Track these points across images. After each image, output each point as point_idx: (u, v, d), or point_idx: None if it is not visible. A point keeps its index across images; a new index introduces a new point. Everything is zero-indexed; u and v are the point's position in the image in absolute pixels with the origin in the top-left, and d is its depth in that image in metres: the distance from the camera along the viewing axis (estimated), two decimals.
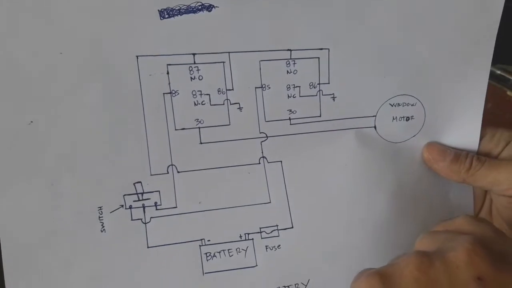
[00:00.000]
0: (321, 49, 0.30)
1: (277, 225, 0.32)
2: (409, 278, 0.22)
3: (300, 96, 0.31)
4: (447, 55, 0.31)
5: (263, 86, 0.30)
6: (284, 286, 0.32)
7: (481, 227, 0.25)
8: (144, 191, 0.30)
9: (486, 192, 0.34)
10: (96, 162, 0.29)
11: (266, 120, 0.31)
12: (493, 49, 0.31)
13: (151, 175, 0.30)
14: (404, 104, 0.32)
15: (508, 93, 0.45)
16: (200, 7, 0.28)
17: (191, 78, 0.29)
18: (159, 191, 0.30)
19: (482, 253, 0.22)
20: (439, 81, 0.32)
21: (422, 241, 0.26)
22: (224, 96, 0.30)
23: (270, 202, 0.32)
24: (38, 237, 0.28)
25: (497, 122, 0.32)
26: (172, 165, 0.30)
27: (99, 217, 0.29)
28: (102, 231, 0.29)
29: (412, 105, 0.32)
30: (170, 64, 0.29)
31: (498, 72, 0.44)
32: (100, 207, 0.29)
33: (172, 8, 0.28)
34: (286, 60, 0.30)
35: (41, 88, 0.27)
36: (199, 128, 0.30)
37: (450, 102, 0.32)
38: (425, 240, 0.26)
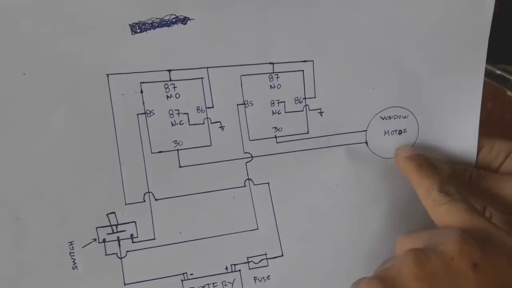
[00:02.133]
0: (305, 61, 0.28)
1: (265, 254, 0.29)
2: (409, 275, 0.23)
3: (285, 112, 0.29)
4: (438, 62, 0.30)
5: (246, 102, 0.28)
6: None
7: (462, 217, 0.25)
8: (119, 223, 0.27)
9: (485, 207, 0.33)
10: (65, 191, 0.26)
11: (250, 139, 0.29)
12: (485, 53, 0.30)
13: (126, 204, 0.27)
14: (396, 116, 0.30)
15: (508, 93, 0.44)
16: (174, 20, 0.26)
17: (167, 96, 0.27)
18: (135, 221, 0.28)
19: (471, 241, 0.23)
20: (431, 91, 0.30)
21: (403, 242, 0.27)
22: (204, 115, 0.28)
23: (257, 229, 0.29)
24: (2, 276, 0.26)
25: (497, 122, 0.31)
26: (149, 192, 0.28)
27: (70, 253, 0.27)
28: (73, 268, 0.27)
29: (404, 117, 0.30)
30: (143, 82, 0.27)
31: (498, 72, 0.44)
32: (71, 242, 0.27)
33: (144, 22, 0.26)
34: (268, 74, 0.28)
35: (2, 112, 0.25)
36: (177, 150, 0.28)
37: (444, 112, 0.31)
38: (406, 240, 0.27)
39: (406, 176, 0.29)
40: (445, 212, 0.26)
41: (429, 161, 0.29)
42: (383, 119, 0.30)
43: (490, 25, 0.29)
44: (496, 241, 0.24)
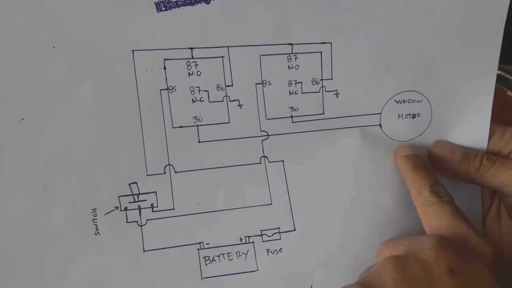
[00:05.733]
0: (323, 43, 0.29)
1: (278, 228, 0.30)
2: (389, 281, 0.23)
3: (302, 93, 0.30)
4: (453, 49, 0.30)
5: (264, 82, 0.29)
6: None
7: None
8: (140, 192, 0.29)
9: (494, 193, 0.33)
10: (90, 161, 0.28)
11: (267, 118, 0.30)
12: (501, 42, 0.30)
13: (147, 175, 0.29)
14: (410, 100, 0.31)
15: (508, 93, 0.44)
16: None
17: (189, 73, 0.28)
18: (155, 192, 0.29)
19: (448, 247, 0.24)
20: (446, 77, 0.31)
21: (383, 249, 0.28)
22: (224, 93, 0.29)
23: (271, 204, 0.30)
24: (30, 239, 0.27)
25: (497, 122, 0.31)
26: (169, 164, 0.29)
27: (93, 219, 0.28)
28: (96, 234, 0.28)
29: (418, 101, 0.31)
30: (167, 59, 0.27)
31: (498, 72, 0.44)
32: (94, 209, 0.28)
33: (169, 0, 0.27)
34: (287, 55, 0.29)
35: (32, 84, 0.26)
36: (197, 126, 0.29)
37: (457, 98, 0.31)
38: (386, 248, 0.28)
39: (402, 174, 0.31)
40: (432, 214, 0.27)
41: (425, 162, 0.30)
42: (397, 102, 0.31)
43: (506, 12, 0.29)
44: (473, 247, 0.25)
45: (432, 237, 0.25)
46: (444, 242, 0.25)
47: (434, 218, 0.27)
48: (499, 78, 0.44)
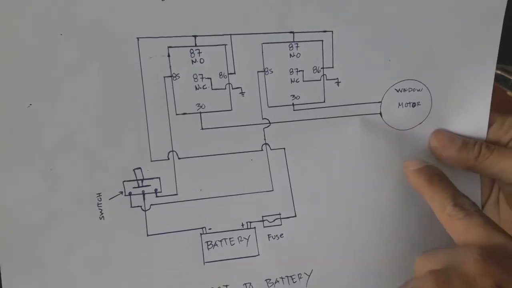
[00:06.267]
0: (325, 31, 0.29)
1: (279, 214, 0.31)
2: None
3: (303, 81, 0.30)
4: (453, 37, 0.31)
5: (266, 70, 0.29)
6: (287, 276, 0.31)
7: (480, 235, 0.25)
8: (144, 178, 0.29)
9: (493, 181, 0.34)
10: (95, 146, 0.28)
11: (269, 105, 0.30)
12: (500, 30, 0.30)
13: (151, 161, 0.29)
14: (410, 89, 0.31)
15: (508, 93, 0.44)
16: None
17: (192, 61, 0.28)
18: (159, 177, 0.29)
19: (492, 261, 0.22)
20: (446, 65, 0.31)
21: (421, 263, 0.26)
22: (226, 80, 0.29)
23: (272, 190, 0.31)
24: (35, 221, 0.28)
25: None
26: (173, 151, 0.29)
27: (98, 204, 0.29)
28: (100, 218, 0.29)
29: (418, 90, 0.31)
30: (171, 46, 0.28)
31: (498, 72, 0.44)
32: (99, 194, 0.29)
33: None
34: (289, 43, 0.29)
35: (40, 70, 0.27)
36: (200, 113, 0.29)
37: (457, 87, 0.32)
38: (424, 261, 0.26)
39: (417, 190, 0.29)
40: (462, 228, 0.25)
41: (439, 172, 0.29)
42: (398, 91, 0.31)
43: (506, 2, 0.30)
44: None
45: (473, 250, 0.23)
46: (487, 255, 0.23)
47: (465, 233, 0.25)
48: (499, 78, 0.44)
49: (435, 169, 0.29)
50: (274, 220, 0.31)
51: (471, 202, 0.27)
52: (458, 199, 0.27)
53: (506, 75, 0.45)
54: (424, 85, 0.31)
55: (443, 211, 0.27)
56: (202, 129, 0.30)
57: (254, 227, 0.31)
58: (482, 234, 0.25)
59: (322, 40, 0.29)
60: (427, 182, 0.28)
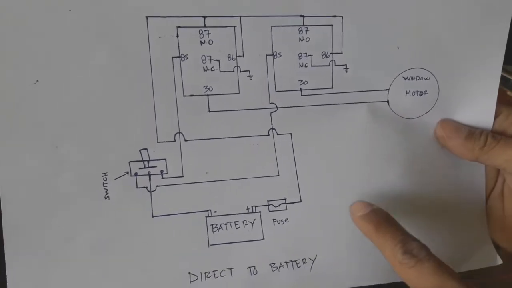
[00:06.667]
0: (335, 16, 0.29)
1: (285, 199, 0.31)
2: None
3: (312, 66, 0.30)
4: (461, 27, 0.31)
5: (275, 53, 0.29)
6: (291, 261, 0.31)
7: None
8: (150, 159, 0.29)
9: (498, 171, 0.34)
10: (102, 126, 0.28)
11: (277, 90, 0.30)
12: (509, 21, 0.30)
13: (158, 142, 0.29)
14: (418, 77, 0.31)
15: (508, 93, 0.44)
16: None
17: (201, 42, 0.28)
18: (165, 159, 0.29)
19: None
20: (454, 55, 0.31)
21: None
22: (234, 63, 0.29)
23: (278, 175, 0.31)
24: (40, 200, 0.28)
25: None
26: (179, 132, 0.29)
27: (103, 184, 0.28)
28: (105, 198, 0.29)
29: (426, 79, 0.31)
30: (180, 27, 0.28)
31: None
32: (105, 173, 0.28)
33: None
34: (298, 27, 0.29)
35: (48, 46, 0.27)
36: (207, 95, 0.29)
37: (465, 77, 0.31)
38: None
39: (366, 236, 0.28)
40: (415, 277, 0.26)
41: (386, 216, 0.28)
42: (405, 79, 0.31)
43: None
44: None
45: None
46: None
47: (418, 281, 0.25)
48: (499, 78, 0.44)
49: (382, 214, 0.29)
50: (280, 205, 0.31)
51: (421, 245, 0.27)
52: (408, 245, 0.26)
53: (506, 75, 0.45)
54: (432, 74, 0.31)
55: (394, 259, 0.26)
56: (209, 111, 0.29)
57: (259, 211, 0.30)
58: (435, 282, 0.25)
59: (332, 25, 0.29)
60: (374, 229, 0.28)
